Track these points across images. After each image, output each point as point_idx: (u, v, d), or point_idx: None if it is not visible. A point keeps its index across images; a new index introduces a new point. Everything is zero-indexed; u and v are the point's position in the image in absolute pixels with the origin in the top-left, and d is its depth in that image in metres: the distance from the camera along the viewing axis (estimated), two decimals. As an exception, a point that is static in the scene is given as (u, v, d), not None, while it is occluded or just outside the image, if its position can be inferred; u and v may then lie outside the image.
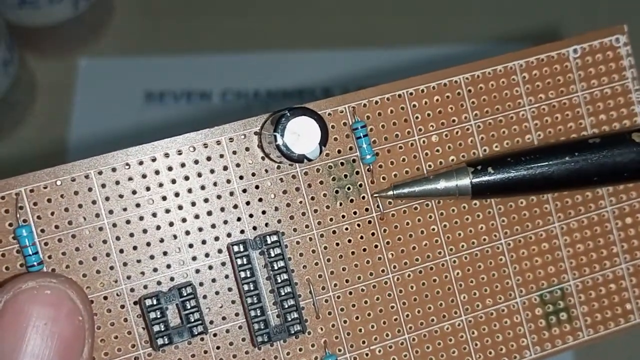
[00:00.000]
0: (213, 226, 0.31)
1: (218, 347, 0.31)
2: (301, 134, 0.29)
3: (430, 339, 0.33)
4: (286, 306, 0.31)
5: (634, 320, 0.35)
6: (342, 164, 0.32)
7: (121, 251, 0.30)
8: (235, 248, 0.31)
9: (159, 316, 0.30)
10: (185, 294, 0.30)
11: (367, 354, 0.33)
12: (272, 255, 0.31)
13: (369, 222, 0.33)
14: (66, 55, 0.67)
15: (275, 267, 0.31)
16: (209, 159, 0.31)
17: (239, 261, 0.31)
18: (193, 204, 0.31)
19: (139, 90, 0.66)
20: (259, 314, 0.31)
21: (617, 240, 0.35)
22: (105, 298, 0.30)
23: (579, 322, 0.35)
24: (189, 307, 0.30)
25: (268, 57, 0.67)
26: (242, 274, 0.31)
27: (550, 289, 0.34)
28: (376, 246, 0.33)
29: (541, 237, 0.34)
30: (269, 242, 0.31)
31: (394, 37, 0.67)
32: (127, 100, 0.65)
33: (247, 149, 0.31)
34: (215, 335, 0.31)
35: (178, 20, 0.68)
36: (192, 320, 0.30)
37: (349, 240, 0.32)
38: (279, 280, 0.31)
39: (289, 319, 0.31)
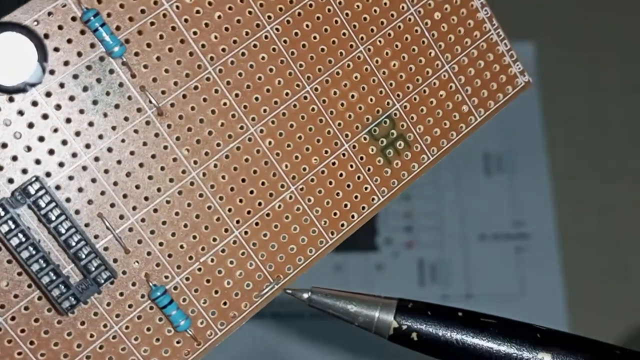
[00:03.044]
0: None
1: (23, 331, 0.26)
2: (10, 57, 0.23)
3: (264, 225, 0.29)
4: (83, 256, 0.26)
5: (474, 121, 0.31)
6: (88, 67, 0.26)
7: None
8: (-7, 215, 0.25)
9: None
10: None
11: (199, 269, 0.28)
12: (43, 205, 0.25)
13: (147, 123, 0.27)
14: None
15: (52, 219, 0.25)
16: None
17: (4, 228, 0.25)
18: None
19: None
20: (54, 278, 0.25)
21: (431, 42, 0.31)
22: None
23: (419, 145, 0.31)
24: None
25: None
26: (15, 241, 0.25)
27: (377, 121, 0.30)
28: (165, 147, 0.27)
29: (348, 68, 0.29)
30: (32, 192, 0.25)
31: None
32: None
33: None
34: (13, 318, 0.26)
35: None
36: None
37: (132, 152, 0.27)
38: (63, 231, 0.25)
39: (92, 269, 0.26)
